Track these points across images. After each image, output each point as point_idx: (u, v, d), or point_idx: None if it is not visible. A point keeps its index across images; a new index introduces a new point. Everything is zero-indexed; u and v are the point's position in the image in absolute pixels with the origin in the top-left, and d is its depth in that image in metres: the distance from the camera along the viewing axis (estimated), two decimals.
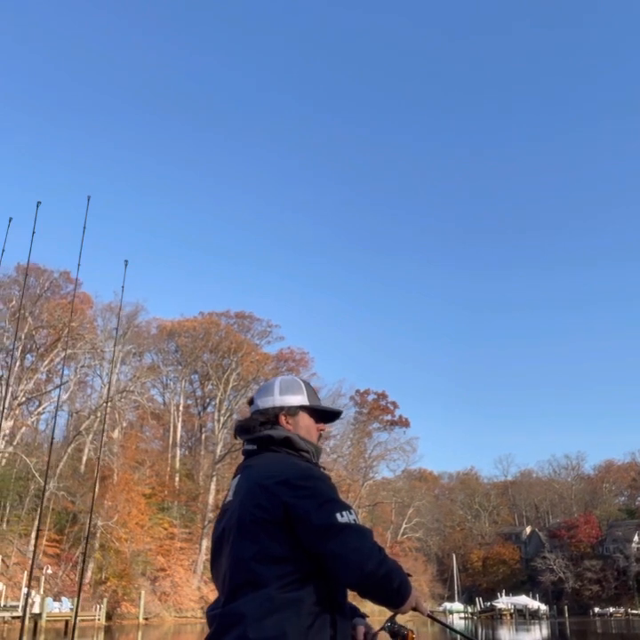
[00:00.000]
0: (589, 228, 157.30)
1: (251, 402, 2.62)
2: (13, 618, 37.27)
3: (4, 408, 48.61)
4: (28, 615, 37.15)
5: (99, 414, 53.77)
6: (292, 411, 2.52)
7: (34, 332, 51.67)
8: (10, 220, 7.45)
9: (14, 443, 49.08)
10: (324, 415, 2.62)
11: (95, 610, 44.05)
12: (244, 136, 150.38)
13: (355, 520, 2.17)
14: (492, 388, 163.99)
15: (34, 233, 7.18)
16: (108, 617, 44.76)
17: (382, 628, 2.43)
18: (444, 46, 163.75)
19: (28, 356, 53.59)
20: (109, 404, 54.12)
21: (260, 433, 2.45)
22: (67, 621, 39.99)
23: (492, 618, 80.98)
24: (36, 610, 38.03)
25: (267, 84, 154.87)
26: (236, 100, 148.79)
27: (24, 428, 51.69)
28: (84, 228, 7.14)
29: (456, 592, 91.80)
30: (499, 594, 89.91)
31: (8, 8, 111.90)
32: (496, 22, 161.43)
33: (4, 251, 6.92)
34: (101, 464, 53.03)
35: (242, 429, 2.53)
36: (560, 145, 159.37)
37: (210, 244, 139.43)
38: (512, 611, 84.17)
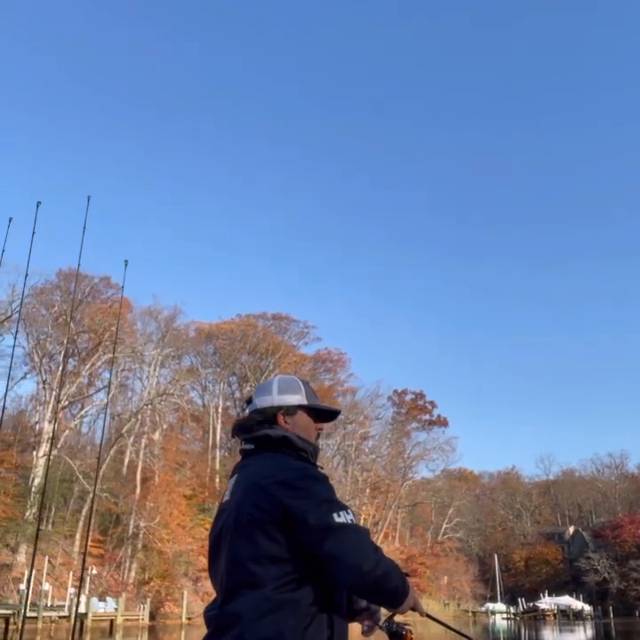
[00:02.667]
0: None
1: (249, 401, 2.60)
2: (60, 617, 38.01)
3: (48, 412, 49.64)
4: (74, 615, 37.92)
5: (139, 417, 54.54)
6: (291, 410, 2.50)
7: (76, 337, 52.58)
8: (10, 220, 7.60)
9: (58, 446, 50.00)
10: (323, 414, 2.59)
11: (139, 610, 44.69)
12: (255, 133, 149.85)
13: (352, 520, 2.18)
14: (531, 385, 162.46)
15: (34, 233, 7.30)
16: (152, 617, 45.35)
17: (380, 627, 2.42)
18: (454, 41, 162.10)
19: (71, 360, 54.54)
20: (149, 406, 54.89)
21: (258, 432, 2.45)
22: (112, 621, 40.68)
23: (536, 618, 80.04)
24: (81, 609, 38.72)
25: (275, 80, 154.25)
26: (241, 96, 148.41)
27: (67, 431, 52.63)
28: (84, 228, 7.27)
29: (498, 592, 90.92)
30: (542, 594, 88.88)
31: (8, 8, 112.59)
32: (500, 19, 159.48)
33: (3, 251, 7.05)
34: (143, 466, 53.83)
35: (240, 429, 2.52)
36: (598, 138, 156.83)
37: (241, 246, 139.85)
38: (555, 611, 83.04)
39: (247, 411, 2.59)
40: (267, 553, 2.16)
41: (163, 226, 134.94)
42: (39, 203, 7.37)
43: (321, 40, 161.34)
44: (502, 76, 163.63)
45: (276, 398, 2.51)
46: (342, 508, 2.19)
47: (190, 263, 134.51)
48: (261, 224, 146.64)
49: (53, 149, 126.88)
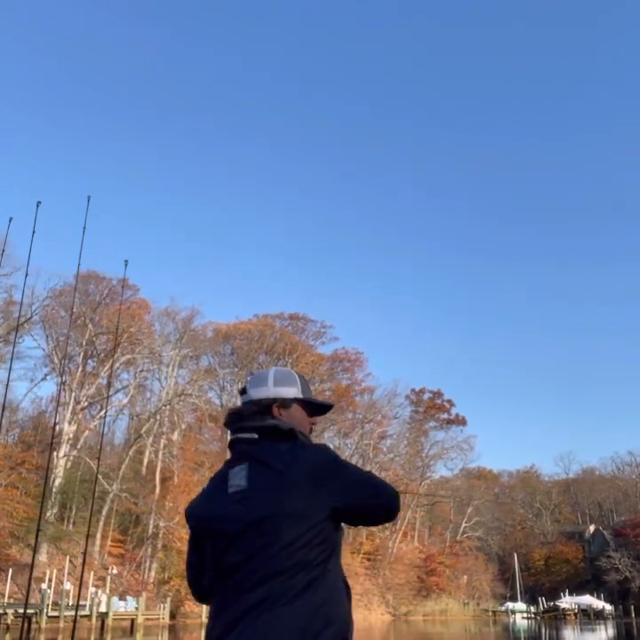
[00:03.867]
0: None
1: (243, 391, 2.56)
2: (82, 616, 38.33)
3: (68, 412, 50.06)
4: (95, 614, 38.27)
5: (158, 417, 54.87)
6: (286, 403, 2.49)
7: (94, 339, 53.00)
8: (10, 220, 7.68)
9: (78, 446, 50.43)
10: (316, 409, 2.60)
11: (159, 609, 44.97)
12: (259, 132, 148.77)
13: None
14: (550, 384, 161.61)
15: (34, 233, 7.36)
16: (172, 616, 45.61)
17: None
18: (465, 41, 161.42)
19: (90, 361, 55.01)
20: (168, 407, 55.20)
21: (266, 422, 2.42)
22: (132, 620, 40.97)
23: (556, 618, 79.64)
24: (102, 609, 39.07)
25: (275, 79, 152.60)
26: (242, 96, 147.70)
27: (87, 432, 53.06)
28: (84, 228, 7.32)
29: (518, 592, 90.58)
30: (562, 593, 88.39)
31: (8, 8, 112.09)
32: (504, 20, 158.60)
33: (4, 251, 7.12)
34: (162, 466, 54.16)
35: (238, 417, 2.48)
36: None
37: (257, 247, 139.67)
38: (576, 611, 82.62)
39: (240, 401, 2.56)
40: (307, 536, 2.20)
41: (174, 226, 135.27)
42: (39, 203, 7.44)
43: (322, 39, 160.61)
44: (507, 76, 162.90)
45: (272, 390, 2.50)
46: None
47: (207, 264, 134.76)
48: (276, 224, 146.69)
49: (53, 149, 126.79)
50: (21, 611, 34.81)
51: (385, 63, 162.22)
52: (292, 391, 2.52)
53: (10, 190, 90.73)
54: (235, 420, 2.48)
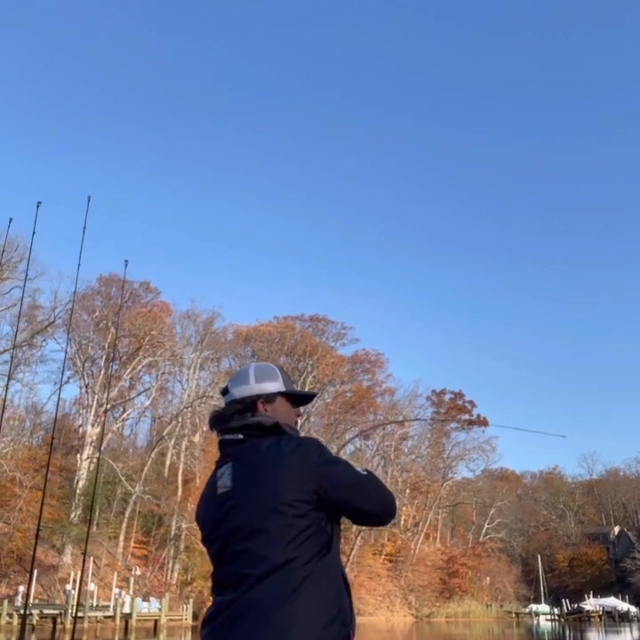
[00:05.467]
0: None
1: (225, 391, 2.54)
2: (106, 617, 38.74)
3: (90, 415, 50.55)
4: (119, 615, 38.65)
5: (180, 419, 55.21)
6: (270, 397, 2.47)
7: (116, 341, 53.45)
8: (10, 221, 7.81)
9: (101, 448, 50.87)
10: (300, 399, 2.59)
11: (182, 610, 45.26)
12: (273, 130, 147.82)
13: (366, 470, 2.36)
14: (573, 385, 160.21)
15: (34, 233, 7.45)
16: (195, 617, 45.86)
17: None
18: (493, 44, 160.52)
19: (112, 364, 55.48)
20: (189, 409, 55.53)
21: (250, 420, 2.41)
22: (156, 621, 41.30)
23: (580, 620, 78.99)
24: (126, 610, 39.43)
25: (279, 76, 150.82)
26: (245, 94, 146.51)
27: (110, 434, 53.52)
28: (84, 228, 7.41)
29: (542, 593, 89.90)
30: (586, 595, 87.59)
31: (7, 7, 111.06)
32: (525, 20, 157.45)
33: (4, 251, 7.30)
34: (184, 468, 54.51)
35: (222, 418, 2.46)
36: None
37: (277, 248, 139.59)
38: (601, 613, 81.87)
39: (224, 401, 2.55)
40: (295, 530, 2.20)
41: (189, 230, 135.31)
42: (39, 203, 7.53)
43: (324, 39, 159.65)
44: (510, 78, 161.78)
45: (255, 387, 2.50)
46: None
47: (226, 267, 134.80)
48: (290, 225, 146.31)
49: (53, 149, 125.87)
50: (46, 611, 35.32)
51: (393, 61, 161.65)
52: (275, 385, 2.52)
53: (10, 190, 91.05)
54: (219, 421, 2.47)
